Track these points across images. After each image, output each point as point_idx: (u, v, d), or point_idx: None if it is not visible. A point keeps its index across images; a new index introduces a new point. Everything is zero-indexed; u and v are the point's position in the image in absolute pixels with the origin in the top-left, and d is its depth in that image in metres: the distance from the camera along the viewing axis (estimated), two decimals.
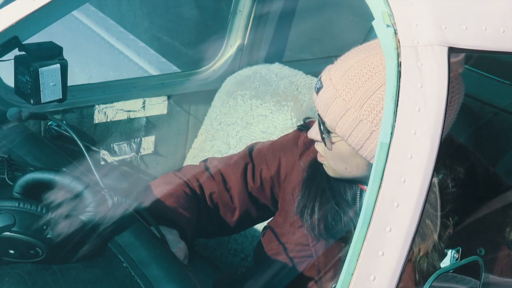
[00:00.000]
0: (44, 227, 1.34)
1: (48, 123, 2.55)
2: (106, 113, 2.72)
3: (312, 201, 1.90)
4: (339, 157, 1.74)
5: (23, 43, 1.71)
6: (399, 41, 1.46)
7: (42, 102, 1.70)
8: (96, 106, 2.69)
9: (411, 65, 1.45)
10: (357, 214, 1.81)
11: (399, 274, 1.41)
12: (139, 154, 2.89)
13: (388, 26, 1.47)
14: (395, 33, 1.46)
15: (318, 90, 1.70)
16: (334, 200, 1.86)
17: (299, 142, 2.03)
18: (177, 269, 1.41)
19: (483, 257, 1.66)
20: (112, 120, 2.75)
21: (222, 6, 3.15)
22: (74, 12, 4.57)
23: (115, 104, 2.74)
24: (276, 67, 2.90)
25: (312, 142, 1.95)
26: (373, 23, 1.49)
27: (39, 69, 1.67)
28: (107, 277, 1.38)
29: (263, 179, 2.03)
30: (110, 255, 1.42)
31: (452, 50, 1.50)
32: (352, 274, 1.38)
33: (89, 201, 1.40)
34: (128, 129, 2.81)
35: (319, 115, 1.71)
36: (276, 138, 2.14)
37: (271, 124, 2.73)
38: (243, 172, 2.03)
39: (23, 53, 1.72)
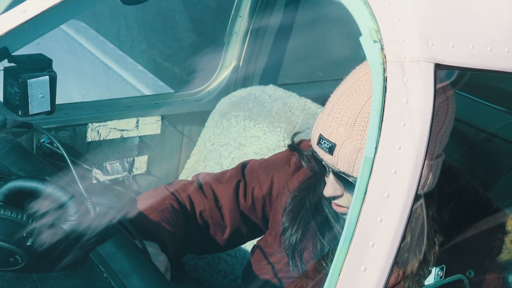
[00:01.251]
0: (25, 235, 1.34)
1: (41, 141, 2.55)
2: (99, 131, 2.72)
3: (295, 235, 1.87)
4: None
5: (12, 54, 1.72)
6: (385, 56, 1.46)
7: (30, 113, 1.70)
8: (89, 124, 2.69)
9: (397, 80, 1.45)
10: None
11: None
12: (132, 173, 2.88)
13: (375, 41, 1.47)
14: (382, 48, 1.47)
15: (330, 149, 1.61)
16: (322, 234, 1.84)
17: (291, 162, 2.01)
18: (157, 280, 1.40)
19: (472, 279, 1.64)
20: (105, 138, 2.75)
21: (218, 28, 3.17)
22: (73, 34, 4.61)
23: (108, 122, 2.74)
24: (270, 88, 2.90)
25: (301, 164, 1.93)
26: (361, 39, 1.50)
27: (28, 80, 1.67)
28: (86, 287, 1.37)
29: (255, 198, 2.01)
30: (91, 265, 1.41)
31: (438, 67, 1.50)
32: None
33: (71, 210, 1.40)
34: (121, 148, 2.80)
35: (341, 173, 1.64)
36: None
37: (263, 145, 2.73)
38: (235, 190, 2.01)
39: (12, 64, 1.73)
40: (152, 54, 4.96)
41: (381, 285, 1.39)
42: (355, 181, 1.61)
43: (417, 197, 1.45)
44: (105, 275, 1.38)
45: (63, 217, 1.39)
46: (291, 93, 2.85)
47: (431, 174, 1.63)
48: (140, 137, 2.84)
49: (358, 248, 1.38)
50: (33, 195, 1.40)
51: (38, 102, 1.70)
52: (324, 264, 1.82)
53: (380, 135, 1.41)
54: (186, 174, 2.95)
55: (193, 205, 2.00)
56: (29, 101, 1.69)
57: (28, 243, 1.33)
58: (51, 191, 1.40)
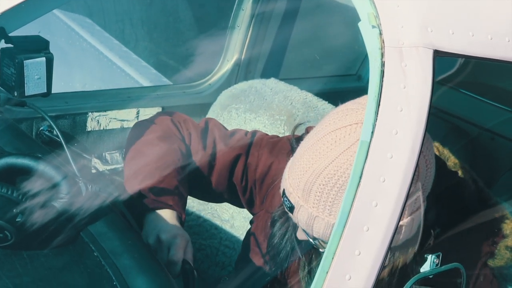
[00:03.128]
0: (14, 210, 1.33)
1: (40, 128, 2.54)
2: (99, 121, 2.71)
3: (281, 254, 1.83)
4: None
5: (9, 35, 1.71)
6: (383, 42, 1.45)
7: (26, 95, 1.69)
8: (89, 113, 2.68)
9: (395, 65, 1.44)
10: None
11: (376, 275, 1.39)
12: None
13: (373, 27, 1.46)
14: (380, 33, 1.46)
15: (290, 209, 1.61)
16: (305, 256, 1.81)
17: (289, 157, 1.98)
18: (148, 260, 1.39)
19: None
20: (105, 128, 2.74)
21: (220, 21, 3.17)
22: (79, 30, 4.62)
23: (108, 112, 2.73)
24: (272, 82, 2.90)
25: None
26: (359, 24, 1.49)
27: (24, 61, 1.66)
28: (76, 265, 1.36)
29: (248, 177, 1.96)
30: (82, 243, 1.40)
31: (437, 53, 1.49)
32: (327, 272, 1.36)
33: (63, 188, 1.39)
34: (121, 139, 2.79)
35: (303, 230, 1.65)
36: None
37: None
38: (234, 161, 1.95)
39: (9, 45, 1.72)
40: (154, 49, 4.96)
41: (375, 270, 1.39)
42: (315, 242, 1.63)
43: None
44: (95, 254, 1.38)
45: (55, 195, 1.38)
46: (292, 86, 2.85)
47: (408, 228, 1.59)
48: None
49: (352, 232, 1.37)
50: (25, 172, 1.39)
51: (34, 84, 1.70)
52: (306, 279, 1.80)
53: (376, 119, 1.40)
54: None
55: (189, 147, 1.95)
56: (25, 82, 1.68)
57: (18, 219, 1.32)
58: (44, 169, 1.39)
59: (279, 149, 1.98)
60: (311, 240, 1.65)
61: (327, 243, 1.54)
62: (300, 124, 2.10)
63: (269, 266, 1.88)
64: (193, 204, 2.82)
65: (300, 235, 1.70)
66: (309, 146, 1.59)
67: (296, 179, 1.58)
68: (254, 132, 2.04)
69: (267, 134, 2.05)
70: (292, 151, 1.84)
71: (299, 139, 1.90)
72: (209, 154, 1.95)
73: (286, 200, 1.61)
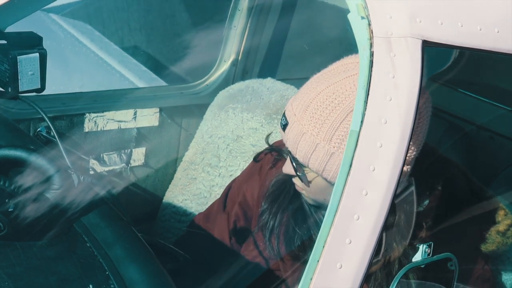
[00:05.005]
0: (7, 201, 1.34)
1: (38, 130, 2.55)
2: (97, 122, 2.72)
3: (273, 219, 1.90)
4: (318, 190, 1.72)
5: (3, 31, 1.72)
6: (372, 32, 1.46)
7: (20, 90, 1.70)
8: (87, 114, 2.69)
9: (384, 55, 1.45)
10: None
11: (367, 263, 1.40)
12: (129, 165, 2.88)
13: (362, 18, 1.48)
14: (369, 24, 1.47)
15: (284, 127, 1.66)
16: (295, 220, 1.85)
17: (260, 169, 2.05)
18: (140, 251, 1.40)
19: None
20: (102, 129, 2.74)
21: (217, 22, 3.19)
22: (78, 36, 4.64)
23: (106, 113, 2.73)
24: (268, 81, 2.91)
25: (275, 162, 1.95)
26: (348, 16, 1.50)
27: (18, 57, 1.68)
28: (69, 256, 1.37)
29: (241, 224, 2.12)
30: (74, 234, 1.41)
31: (426, 44, 1.50)
32: (318, 261, 1.37)
33: (55, 179, 1.40)
34: (118, 140, 2.80)
35: (290, 152, 1.69)
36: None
37: (261, 137, 2.72)
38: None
39: (3, 41, 1.73)
40: (152, 52, 4.98)
41: (366, 258, 1.39)
42: (300, 166, 1.67)
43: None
44: (88, 245, 1.39)
45: (47, 186, 1.39)
46: (289, 85, 2.86)
47: None
48: (138, 128, 2.84)
49: (343, 221, 1.38)
50: (18, 164, 1.40)
51: (28, 79, 1.71)
52: (297, 252, 1.82)
53: (365, 108, 1.41)
54: (184, 167, 2.95)
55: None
56: (19, 78, 1.69)
57: (10, 209, 1.33)
58: (37, 161, 1.40)
59: (244, 180, 2.12)
60: (294, 165, 1.68)
61: (309, 168, 1.63)
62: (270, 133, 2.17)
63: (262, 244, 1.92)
64: (191, 205, 2.84)
65: (286, 168, 1.74)
66: (319, 74, 1.68)
67: (298, 100, 1.65)
68: (224, 195, 2.23)
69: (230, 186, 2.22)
70: (272, 149, 2.04)
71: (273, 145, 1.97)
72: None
73: (283, 119, 1.68)
